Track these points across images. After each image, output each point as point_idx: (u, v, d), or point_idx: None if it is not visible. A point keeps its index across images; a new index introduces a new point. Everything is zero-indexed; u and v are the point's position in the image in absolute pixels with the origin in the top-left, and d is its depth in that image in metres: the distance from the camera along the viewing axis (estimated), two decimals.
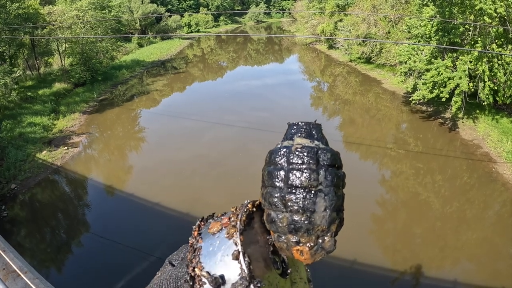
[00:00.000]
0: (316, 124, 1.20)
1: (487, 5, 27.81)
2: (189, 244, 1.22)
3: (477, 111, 33.63)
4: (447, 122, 33.97)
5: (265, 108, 39.27)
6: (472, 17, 30.39)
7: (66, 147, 29.94)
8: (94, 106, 40.55)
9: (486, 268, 18.14)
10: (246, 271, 1.05)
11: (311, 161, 1.07)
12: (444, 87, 31.26)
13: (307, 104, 43.50)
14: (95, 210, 22.83)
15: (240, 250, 1.08)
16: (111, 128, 36.13)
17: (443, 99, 31.46)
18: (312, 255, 1.09)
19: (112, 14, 50.94)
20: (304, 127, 1.18)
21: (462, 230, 20.78)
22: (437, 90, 31.73)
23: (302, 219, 1.05)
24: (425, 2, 33.61)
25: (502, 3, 27.98)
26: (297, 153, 1.10)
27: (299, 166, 1.07)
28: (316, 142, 1.14)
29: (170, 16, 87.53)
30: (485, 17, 28.40)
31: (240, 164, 27.28)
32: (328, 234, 1.08)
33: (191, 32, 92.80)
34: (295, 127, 1.19)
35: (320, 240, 1.08)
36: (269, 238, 1.17)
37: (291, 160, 1.10)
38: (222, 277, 1.06)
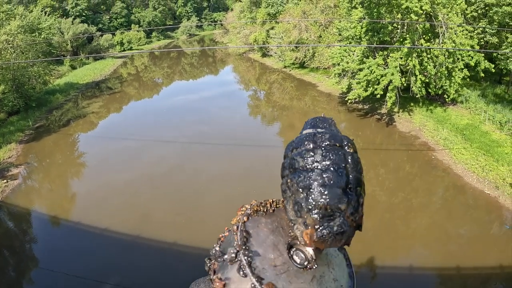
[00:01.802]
0: (323, 117, 1.27)
1: (413, 3, 28.93)
2: None
3: (412, 104, 34.84)
4: (384, 118, 34.97)
5: (204, 122, 39.20)
6: (399, 15, 31.56)
7: (5, 180, 28.76)
8: (30, 134, 39.20)
9: (439, 251, 18.84)
10: (239, 241, 1.13)
11: (307, 143, 1.13)
12: (378, 84, 32.22)
13: (245, 113, 43.76)
14: (42, 243, 22.03)
15: (238, 225, 1.17)
16: (49, 156, 35.07)
17: (378, 96, 32.42)
18: (319, 237, 1.08)
19: (42, 36, 49.67)
20: (311, 121, 1.25)
21: (411, 218, 21.43)
22: (371, 88, 32.67)
23: (302, 197, 1.08)
24: (353, 4, 34.59)
25: (427, 0, 29.11)
26: (296, 140, 1.17)
27: (298, 151, 1.13)
28: (319, 130, 1.20)
29: (101, 36, 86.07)
30: (411, 14, 29.58)
31: (184, 180, 27.12)
32: (337, 214, 1.07)
33: (124, 50, 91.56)
34: (305, 124, 1.26)
35: (326, 221, 1.07)
36: (290, 231, 1.19)
37: (293, 148, 1.16)
38: (223, 249, 1.17)
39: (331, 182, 1.07)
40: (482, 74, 31.92)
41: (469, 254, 18.39)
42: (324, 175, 1.07)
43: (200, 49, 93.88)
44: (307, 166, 1.09)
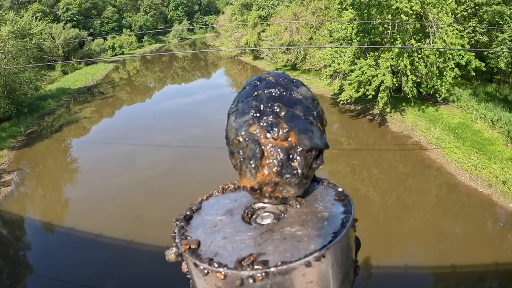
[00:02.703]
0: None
1: (403, 3, 29.06)
2: None
3: (403, 104, 34.95)
4: (376, 118, 35.06)
5: (197, 125, 39.16)
6: (390, 16, 31.71)
7: None
8: (22, 140, 38.99)
9: (433, 249, 18.92)
10: (180, 216, 1.13)
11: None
12: (369, 85, 32.30)
13: None
14: (36, 250, 21.93)
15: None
16: (42, 162, 34.93)
17: (370, 97, 32.52)
18: (240, 173, 0.97)
19: (33, 42, 49.43)
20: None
21: (405, 217, 21.50)
22: (363, 89, 32.76)
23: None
24: (344, 6, 34.67)
25: (417, 0, 29.25)
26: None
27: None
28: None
29: (93, 40, 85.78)
30: (402, 15, 29.72)
31: (177, 183, 27.07)
32: (248, 141, 0.95)
33: (116, 55, 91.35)
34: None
35: (241, 151, 0.96)
36: None
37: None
38: None
39: (242, 110, 0.98)
40: (473, 73, 32.13)
41: (464, 252, 18.48)
42: (239, 105, 1.00)
43: (191, 53, 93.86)
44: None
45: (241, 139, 0.95)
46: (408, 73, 31.60)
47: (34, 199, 28.96)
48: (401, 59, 31.33)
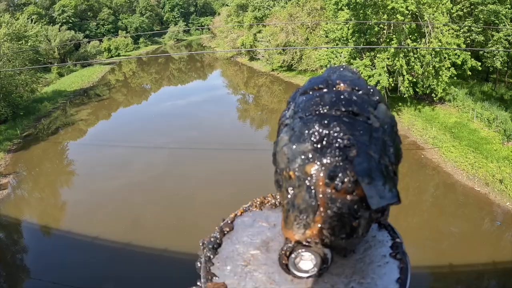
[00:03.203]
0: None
1: (398, 3, 29.08)
2: None
3: (400, 103, 34.96)
4: None
5: (193, 127, 39.08)
6: (385, 16, 31.69)
7: None
8: (18, 143, 38.81)
9: (431, 249, 18.92)
10: (210, 237, 0.97)
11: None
12: None
13: (234, 117, 43.67)
14: (33, 253, 21.83)
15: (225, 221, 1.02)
16: (39, 165, 34.82)
17: None
18: (291, 225, 0.80)
19: (29, 44, 49.30)
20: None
21: (402, 217, 21.47)
22: None
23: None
24: (340, 6, 34.67)
25: (412, 0, 29.29)
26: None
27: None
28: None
29: (89, 42, 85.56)
30: (397, 15, 29.73)
31: (174, 185, 27.04)
32: (303, 180, 0.77)
33: (112, 56, 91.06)
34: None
35: (291, 193, 0.78)
36: None
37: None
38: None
39: (300, 133, 0.77)
40: (469, 72, 32.18)
41: (462, 250, 18.49)
42: (296, 122, 0.80)
43: (188, 54, 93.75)
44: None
45: (293, 175, 0.76)
46: (404, 73, 31.66)
47: (30, 202, 28.84)
48: (397, 59, 31.37)
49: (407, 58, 31.82)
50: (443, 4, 31.48)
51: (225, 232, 0.96)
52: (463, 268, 17.78)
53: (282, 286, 0.78)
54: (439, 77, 31.63)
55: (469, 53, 31.37)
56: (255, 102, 51.02)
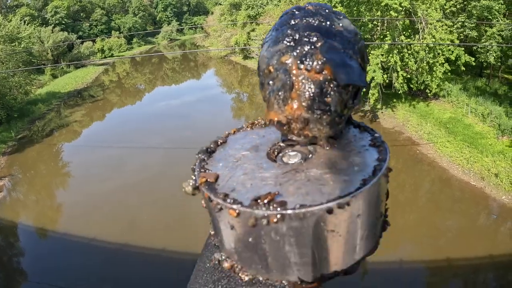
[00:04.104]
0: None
1: (392, 0, 29.11)
2: None
3: (394, 100, 35.07)
4: (367, 115, 35.18)
5: (187, 127, 39.01)
6: (379, 13, 31.74)
7: None
8: (13, 145, 38.67)
9: (428, 244, 19.04)
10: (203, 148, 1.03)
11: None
12: None
13: (229, 116, 43.67)
14: (30, 256, 21.77)
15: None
16: (34, 167, 34.71)
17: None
18: (267, 102, 0.90)
19: (22, 46, 49.16)
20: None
21: (398, 214, 21.52)
22: None
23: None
24: (333, 4, 34.69)
25: None
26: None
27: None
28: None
29: (82, 43, 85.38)
30: (391, 11, 29.77)
31: (169, 186, 26.97)
32: (280, 68, 0.86)
33: (105, 57, 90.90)
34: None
35: (271, 81, 0.88)
36: None
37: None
38: None
39: (275, 38, 0.88)
40: (463, 68, 32.31)
41: (458, 245, 18.57)
42: (273, 34, 0.90)
43: (181, 53, 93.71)
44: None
45: (272, 69, 0.86)
46: (399, 69, 31.75)
47: (26, 204, 28.77)
48: (391, 55, 31.46)
49: (401, 54, 31.91)
50: (436, 0, 31.55)
51: (219, 144, 1.04)
52: (460, 262, 17.86)
53: (268, 170, 0.86)
54: (433, 73, 31.71)
55: (463, 48, 31.45)
56: (249, 101, 50.99)
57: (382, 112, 34.98)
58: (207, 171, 0.92)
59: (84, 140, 40.60)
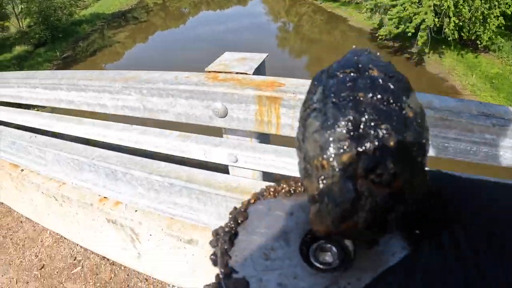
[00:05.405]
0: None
1: None
2: None
3: (443, 46, 33.98)
4: (413, 57, 34.33)
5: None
6: None
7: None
8: (58, 64, 39.28)
9: None
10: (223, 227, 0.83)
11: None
12: (410, 22, 31.48)
13: (273, 45, 43.02)
14: None
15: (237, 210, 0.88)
16: None
17: (409, 34, 31.77)
18: (324, 219, 0.69)
19: None
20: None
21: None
22: (403, 26, 31.97)
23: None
24: None
25: None
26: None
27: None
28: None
29: None
30: None
31: None
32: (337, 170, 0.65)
33: None
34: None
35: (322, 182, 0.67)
36: None
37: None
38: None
39: (334, 119, 0.65)
40: None
41: None
42: (329, 107, 0.67)
43: None
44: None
45: (326, 165, 0.63)
46: (451, 15, 30.47)
47: None
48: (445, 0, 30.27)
49: (456, 0, 30.60)
50: None
51: (240, 222, 0.83)
52: None
53: (305, 280, 0.72)
54: (487, 24, 30.32)
55: None
56: (295, 32, 49.93)
57: (429, 57, 33.93)
58: (232, 274, 0.72)
59: (126, 62, 40.90)
